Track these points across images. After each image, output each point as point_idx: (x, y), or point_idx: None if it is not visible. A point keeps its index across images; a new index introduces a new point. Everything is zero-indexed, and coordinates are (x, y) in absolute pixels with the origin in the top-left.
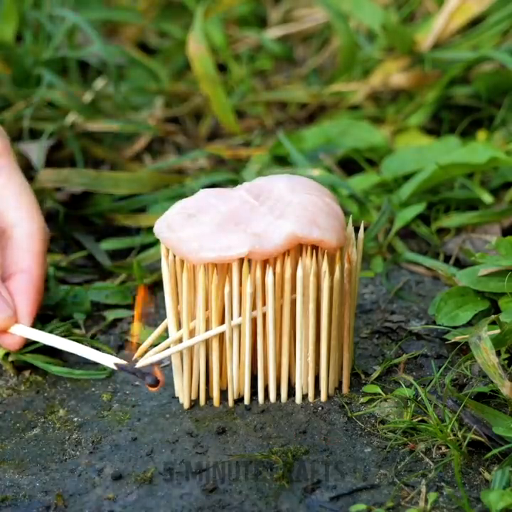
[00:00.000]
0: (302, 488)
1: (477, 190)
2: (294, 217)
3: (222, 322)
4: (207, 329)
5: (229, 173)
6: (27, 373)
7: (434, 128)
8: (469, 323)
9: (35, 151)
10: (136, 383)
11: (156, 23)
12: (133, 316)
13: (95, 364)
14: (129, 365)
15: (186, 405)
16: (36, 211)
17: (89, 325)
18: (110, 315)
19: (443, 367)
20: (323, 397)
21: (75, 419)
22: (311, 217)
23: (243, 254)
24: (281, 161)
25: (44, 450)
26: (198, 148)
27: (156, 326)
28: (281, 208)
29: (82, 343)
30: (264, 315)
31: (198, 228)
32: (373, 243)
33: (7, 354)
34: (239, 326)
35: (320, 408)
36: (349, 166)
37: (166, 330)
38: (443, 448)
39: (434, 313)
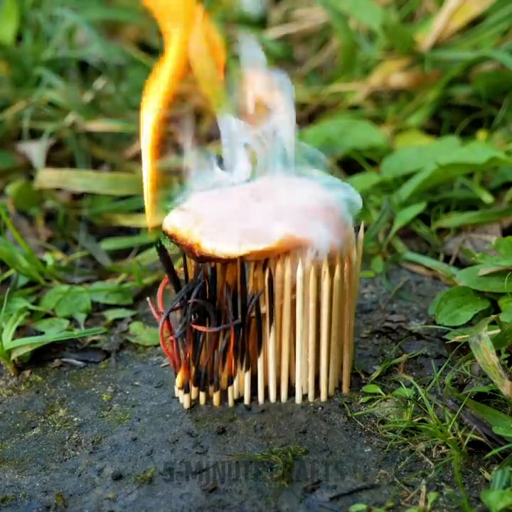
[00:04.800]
0: (302, 488)
1: (477, 190)
2: (292, 218)
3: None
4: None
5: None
6: (27, 373)
7: (434, 128)
8: (469, 323)
9: (35, 151)
10: (136, 383)
11: (156, 23)
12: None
13: (96, 362)
14: None
15: (186, 405)
16: None
17: (89, 325)
18: (110, 315)
19: (443, 367)
20: (323, 397)
21: (75, 419)
22: (308, 218)
23: (237, 254)
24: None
25: (44, 450)
26: (198, 148)
27: (156, 325)
28: (280, 208)
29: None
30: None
31: (199, 227)
32: (373, 243)
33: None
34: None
35: (320, 408)
36: (349, 166)
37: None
38: (443, 448)
39: (434, 313)
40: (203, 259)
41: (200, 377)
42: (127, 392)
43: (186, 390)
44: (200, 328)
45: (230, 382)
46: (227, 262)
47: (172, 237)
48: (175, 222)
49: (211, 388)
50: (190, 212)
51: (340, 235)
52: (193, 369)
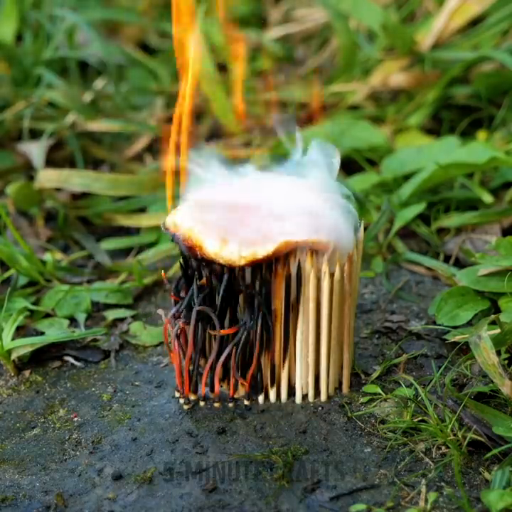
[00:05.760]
0: (302, 488)
1: (477, 190)
2: (290, 220)
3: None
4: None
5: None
6: (27, 373)
7: (434, 128)
8: (469, 323)
9: (35, 151)
10: (136, 383)
11: (156, 23)
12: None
13: (96, 362)
14: None
15: (186, 406)
16: None
17: (89, 325)
18: (110, 315)
19: (443, 367)
20: (323, 397)
21: (75, 419)
22: (306, 220)
23: (237, 263)
24: (281, 161)
25: (44, 450)
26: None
27: (156, 325)
28: (279, 210)
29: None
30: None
31: (200, 227)
32: (373, 243)
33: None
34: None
35: (320, 408)
36: (349, 166)
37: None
38: (443, 448)
39: (434, 313)
40: (204, 261)
41: (198, 382)
42: (127, 392)
43: (186, 401)
44: (213, 332)
45: (232, 398)
46: (227, 266)
47: (173, 236)
48: (177, 220)
49: (212, 394)
50: (192, 211)
51: (337, 234)
52: (193, 375)
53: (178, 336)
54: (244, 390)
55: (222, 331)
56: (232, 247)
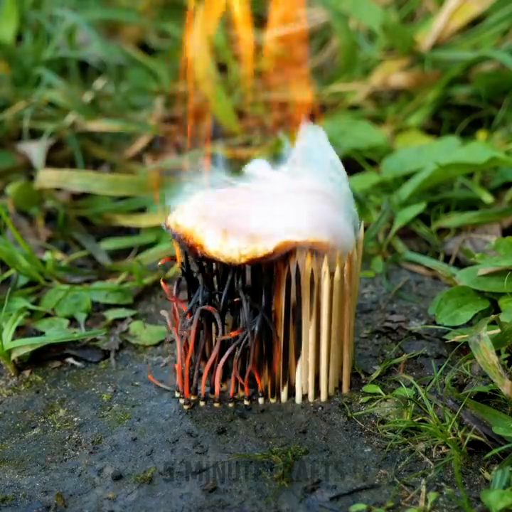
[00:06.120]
0: (302, 488)
1: (477, 190)
2: (289, 220)
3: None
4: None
5: (229, 173)
6: (27, 373)
7: (434, 128)
8: (469, 323)
9: (35, 151)
10: (136, 383)
11: (156, 23)
12: None
13: (96, 362)
14: None
15: (186, 406)
16: None
17: (89, 325)
18: (110, 315)
19: (443, 367)
20: (323, 397)
21: (75, 419)
22: (305, 220)
23: (238, 262)
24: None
25: (44, 450)
26: (198, 148)
27: (156, 325)
28: (278, 210)
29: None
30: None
31: (201, 226)
32: (373, 243)
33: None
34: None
35: (320, 408)
36: (349, 166)
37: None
38: (443, 448)
39: (434, 313)
40: (205, 259)
41: (196, 383)
42: (127, 392)
43: (187, 401)
44: (225, 336)
45: (231, 399)
46: (228, 265)
47: (174, 235)
48: (178, 219)
49: (212, 396)
50: (193, 210)
51: (336, 234)
52: (193, 376)
53: (182, 336)
54: (245, 393)
55: (228, 334)
56: (233, 244)
